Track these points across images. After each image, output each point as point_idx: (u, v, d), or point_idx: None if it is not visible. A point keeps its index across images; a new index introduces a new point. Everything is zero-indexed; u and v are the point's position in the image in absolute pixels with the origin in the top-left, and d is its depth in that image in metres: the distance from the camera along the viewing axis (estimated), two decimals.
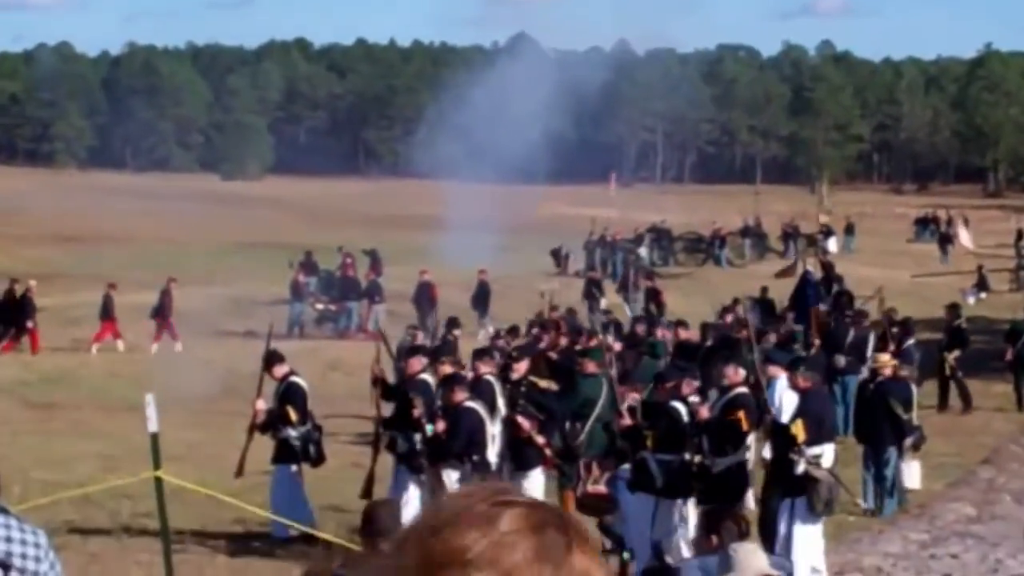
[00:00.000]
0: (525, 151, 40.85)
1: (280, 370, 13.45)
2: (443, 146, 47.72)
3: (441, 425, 11.90)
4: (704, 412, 11.56)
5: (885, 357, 15.76)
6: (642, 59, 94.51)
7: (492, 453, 11.83)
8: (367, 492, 12.98)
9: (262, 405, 13.45)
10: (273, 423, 13.29)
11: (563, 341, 19.30)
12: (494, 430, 11.98)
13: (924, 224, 60.27)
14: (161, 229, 53.60)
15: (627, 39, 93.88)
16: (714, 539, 6.64)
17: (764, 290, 30.08)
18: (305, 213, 63.30)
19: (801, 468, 11.13)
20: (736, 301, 22.94)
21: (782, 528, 11.19)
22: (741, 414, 11.25)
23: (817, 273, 31.57)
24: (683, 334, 20.22)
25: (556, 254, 43.54)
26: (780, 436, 11.38)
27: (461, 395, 11.81)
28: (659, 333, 20.60)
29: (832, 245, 51.15)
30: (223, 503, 14.95)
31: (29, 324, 28.87)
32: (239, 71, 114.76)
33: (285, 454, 13.27)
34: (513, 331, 21.82)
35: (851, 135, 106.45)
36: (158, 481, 9.09)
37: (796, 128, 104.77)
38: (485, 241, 38.08)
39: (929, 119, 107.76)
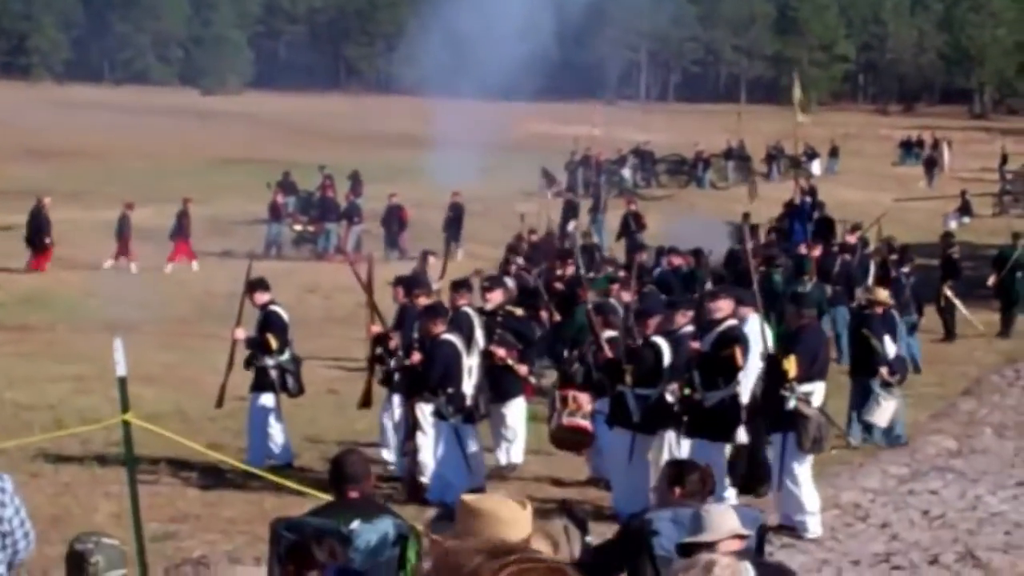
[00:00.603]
0: (508, 68, 40.30)
1: (262, 297, 13.30)
2: (424, 62, 47.10)
3: (417, 357, 11.72)
4: (695, 346, 11.34)
5: (884, 294, 15.48)
6: None
7: (468, 386, 11.65)
8: (366, 403, 12.90)
9: (241, 334, 13.30)
10: (252, 351, 13.14)
11: (571, 270, 19.00)
12: (471, 362, 11.79)
13: (908, 147, 59.99)
14: (138, 145, 52.99)
15: None
16: (677, 491, 6.44)
17: (746, 215, 29.84)
18: (285, 129, 62.68)
19: (791, 404, 10.95)
20: (752, 227, 22.42)
21: (774, 464, 11.04)
22: (737, 348, 11.06)
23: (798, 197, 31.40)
24: (676, 261, 19.96)
25: (547, 174, 43.19)
26: (771, 371, 11.19)
27: (439, 327, 11.60)
28: (665, 263, 20.25)
29: (816, 168, 50.89)
30: (197, 430, 14.81)
31: (47, 240, 28.63)
32: None
33: (262, 383, 13.13)
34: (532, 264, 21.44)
35: (836, 55, 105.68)
36: (126, 425, 8.89)
37: (781, 48, 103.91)
38: (467, 160, 37.72)
39: (915, 40, 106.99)
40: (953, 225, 34.43)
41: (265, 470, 12.06)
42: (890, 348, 14.63)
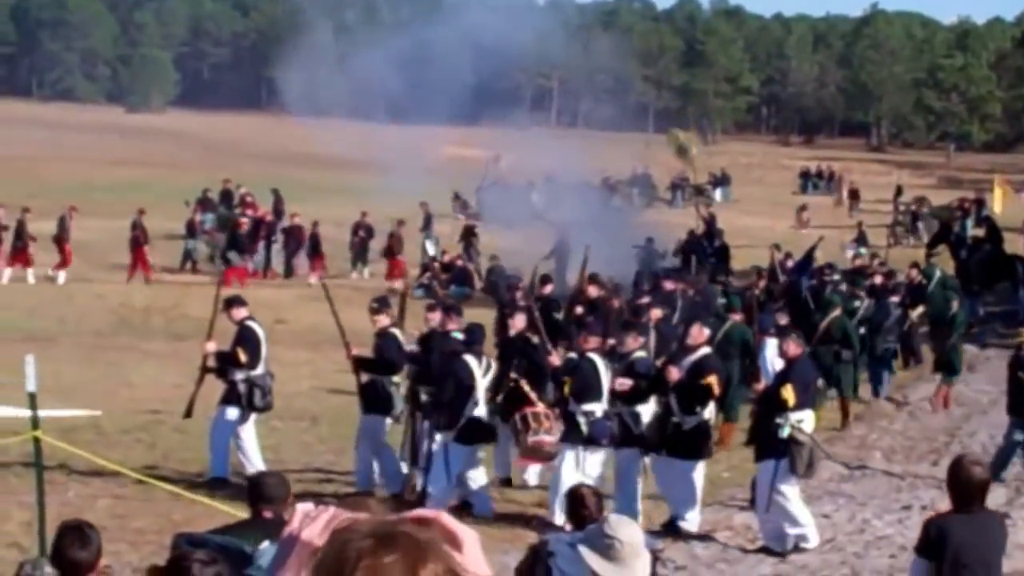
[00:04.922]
0: (424, 93, 40.77)
1: (239, 313, 13.45)
2: (343, 87, 47.53)
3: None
4: (675, 373, 11.73)
5: None
6: (541, 7, 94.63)
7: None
8: None
9: (212, 347, 13.44)
10: (224, 365, 13.29)
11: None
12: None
13: (808, 177, 61.58)
14: (64, 159, 52.74)
15: None
16: (584, 513, 6.62)
17: (649, 240, 30.49)
18: (206, 147, 62.57)
19: (786, 432, 11.26)
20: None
21: (765, 490, 11.40)
22: (713, 379, 11.54)
23: (700, 226, 32.27)
24: (593, 291, 19.33)
25: (458, 197, 43.89)
26: (768, 399, 11.53)
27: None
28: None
29: (719, 196, 52.02)
30: (111, 443, 14.92)
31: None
32: (146, 6, 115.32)
33: (230, 396, 13.28)
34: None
35: (740, 88, 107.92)
36: (36, 442, 9.06)
37: (688, 79, 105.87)
38: (384, 181, 38.07)
39: (816, 74, 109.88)
40: (850, 254, 35.28)
41: (177, 483, 12.22)
42: None
